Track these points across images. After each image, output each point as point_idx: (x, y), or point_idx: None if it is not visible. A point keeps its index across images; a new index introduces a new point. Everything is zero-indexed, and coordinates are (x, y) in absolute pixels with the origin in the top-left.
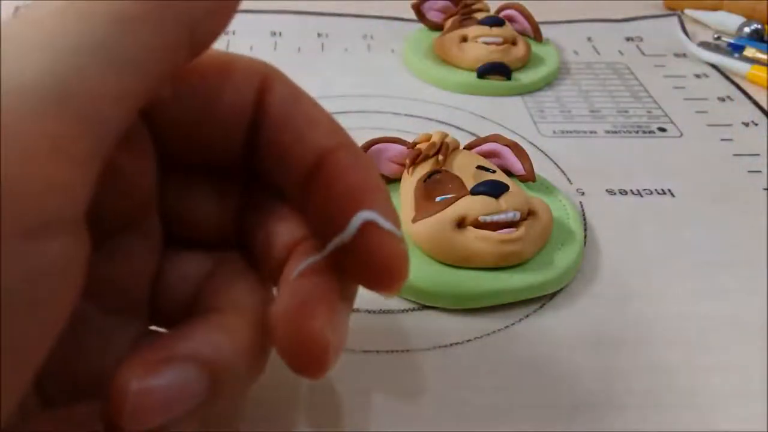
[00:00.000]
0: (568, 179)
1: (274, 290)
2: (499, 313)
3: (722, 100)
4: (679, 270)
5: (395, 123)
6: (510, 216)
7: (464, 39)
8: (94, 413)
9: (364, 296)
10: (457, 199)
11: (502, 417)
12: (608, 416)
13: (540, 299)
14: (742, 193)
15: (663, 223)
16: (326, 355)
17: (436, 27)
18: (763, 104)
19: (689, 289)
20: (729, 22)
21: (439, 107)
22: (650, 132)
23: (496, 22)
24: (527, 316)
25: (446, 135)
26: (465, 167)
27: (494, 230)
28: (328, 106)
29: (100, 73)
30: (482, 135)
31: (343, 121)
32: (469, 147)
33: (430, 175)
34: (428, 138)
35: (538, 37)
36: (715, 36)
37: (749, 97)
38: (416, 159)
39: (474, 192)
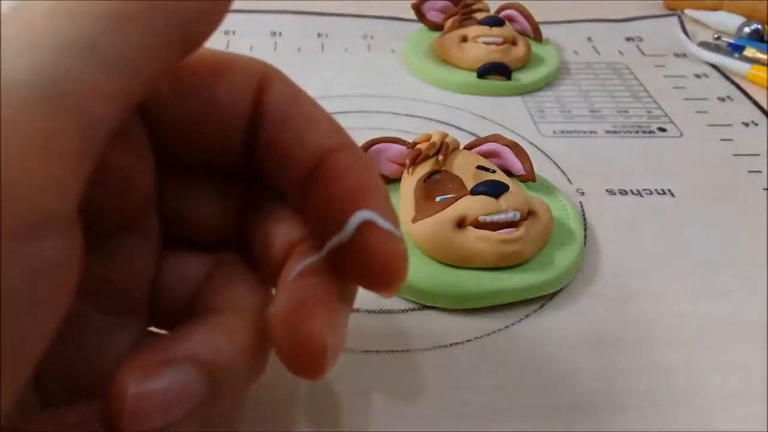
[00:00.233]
0: (568, 179)
1: (273, 291)
2: (499, 313)
3: (722, 100)
4: (679, 270)
5: (395, 123)
6: (510, 216)
7: (464, 39)
8: (94, 413)
9: (364, 296)
10: (457, 199)
11: (502, 417)
12: (608, 416)
13: (540, 299)
14: (742, 193)
15: (663, 223)
16: (324, 356)
17: (436, 27)
18: (763, 104)
19: (689, 289)
20: (729, 22)
21: (439, 107)
22: (650, 132)
23: (496, 22)
24: (527, 316)
25: (446, 135)
26: (465, 167)
27: (494, 230)
28: (328, 106)
29: (90, 72)
30: (482, 135)
31: (343, 121)
32: (469, 147)
33: (430, 175)
34: (428, 138)
35: (538, 37)
36: (715, 36)
37: (749, 97)
38: (416, 159)
39: (474, 192)
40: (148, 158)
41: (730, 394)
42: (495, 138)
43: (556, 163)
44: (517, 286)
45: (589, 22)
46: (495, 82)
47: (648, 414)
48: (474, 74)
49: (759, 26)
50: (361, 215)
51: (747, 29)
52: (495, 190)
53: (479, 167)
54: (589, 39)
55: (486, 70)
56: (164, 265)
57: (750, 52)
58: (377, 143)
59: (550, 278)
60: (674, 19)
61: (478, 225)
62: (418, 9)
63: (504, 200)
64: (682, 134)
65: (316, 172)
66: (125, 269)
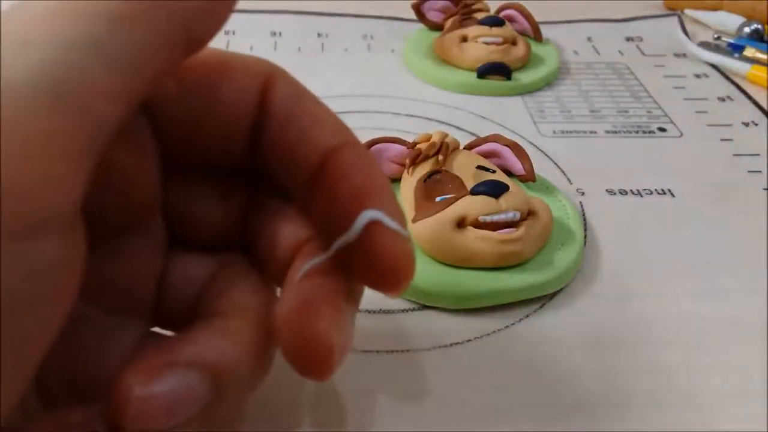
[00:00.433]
0: (568, 179)
1: (279, 291)
2: (499, 313)
3: (722, 100)
4: (679, 270)
5: (395, 123)
6: (510, 216)
7: (464, 39)
8: (96, 414)
9: (365, 296)
10: (457, 199)
11: (502, 417)
12: (608, 416)
13: (540, 299)
14: (742, 193)
15: (663, 223)
16: (331, 356)
17: (436, 27)
18: (763, 104)
19: (689, 289)
20: (729, 22)
21: (439, 107)
22: (650, 132)
23: (496, 22)
24: (527, 316)
25: (446, 135)
26: (465, 167)
27: (494, 230)
28: (329, 106)
29: (92, 71)
30: (482, 135)
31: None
32: (469, 147)
33: (430, 175)
34: (428, 138)
35: (538, 37)
36: (715, 36)
37: (749, 97)
38: (416, 159)
39: (474, 192)
40: (152, 158)
41: (730, 394)
42: (495, 138)
43: (556, 163)
44: (517, 286)
45: (589, 22)
46: (495, 82)
47: (648, 414)
48: (474, 74)
49: (759, 26)
50: (368, 215)
51: (747, 29)
52: (495, 190)
53: (479, 167)
54: (589, 39)
55: (486, 70)
56: (168, 266)
57: (750, 52)
58: (377, 143)
59: (550, 278)
60: (674, 19)
61: (478, 225)
62: (418, 9)
63: (504, 200)
64: (682, 134)
65: (322, 170)
66: (129, 270)
